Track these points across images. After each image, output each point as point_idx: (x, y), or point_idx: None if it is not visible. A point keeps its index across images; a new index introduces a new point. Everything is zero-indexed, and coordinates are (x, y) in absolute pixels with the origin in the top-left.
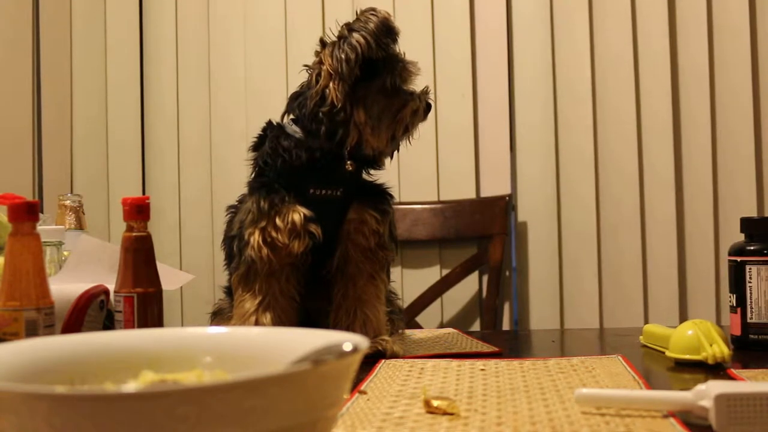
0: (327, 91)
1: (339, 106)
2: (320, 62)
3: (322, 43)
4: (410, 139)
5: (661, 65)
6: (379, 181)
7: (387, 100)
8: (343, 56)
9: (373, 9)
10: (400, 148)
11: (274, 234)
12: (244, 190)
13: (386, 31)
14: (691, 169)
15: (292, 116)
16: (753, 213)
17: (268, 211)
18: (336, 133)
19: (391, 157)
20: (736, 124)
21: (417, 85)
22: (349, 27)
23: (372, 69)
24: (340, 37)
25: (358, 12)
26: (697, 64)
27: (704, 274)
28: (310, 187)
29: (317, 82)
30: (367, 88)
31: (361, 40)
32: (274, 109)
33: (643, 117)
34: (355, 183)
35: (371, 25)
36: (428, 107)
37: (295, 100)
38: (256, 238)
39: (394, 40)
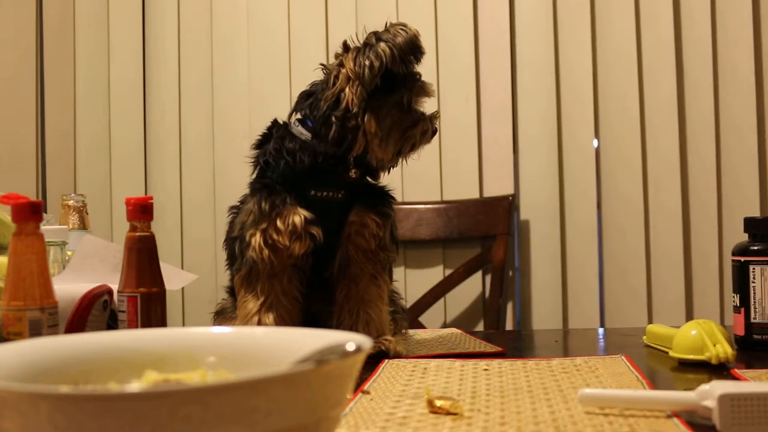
0: (342, 94)
1: (354, 110)
2: (340, 65)
3: (345, 46)
4: (412, 157)
5: (665, 64)
6: (381, 183)
7: (400, 115)
8: (367, 62)
9: (404, 24)
10: (401, 162)
11: (274, 236)
12: (246, 190)
13: (412, 49)
14: (696, 168)
15: (299, 116)
16: (757, 213)
17: (269, 212)
18: (344, 139)
19: (389, 172)
20: (741, 121)
21: (425, 106)
22: (376, 36)
23: (390, 83)
24: (367, 44)
25: (388, 24)
26: (702, 61)
27: (708, 274)
28: (312, 189)
29: (334, 84)
30: (382, 99)
31: (387, 51)
32: (277, 111)
33: (647, 116)
34: (357, 185)
35: (399, 39)
36: (434, 132)
37: (306, 100)
38: (257, 239)
39: (418, 60)
